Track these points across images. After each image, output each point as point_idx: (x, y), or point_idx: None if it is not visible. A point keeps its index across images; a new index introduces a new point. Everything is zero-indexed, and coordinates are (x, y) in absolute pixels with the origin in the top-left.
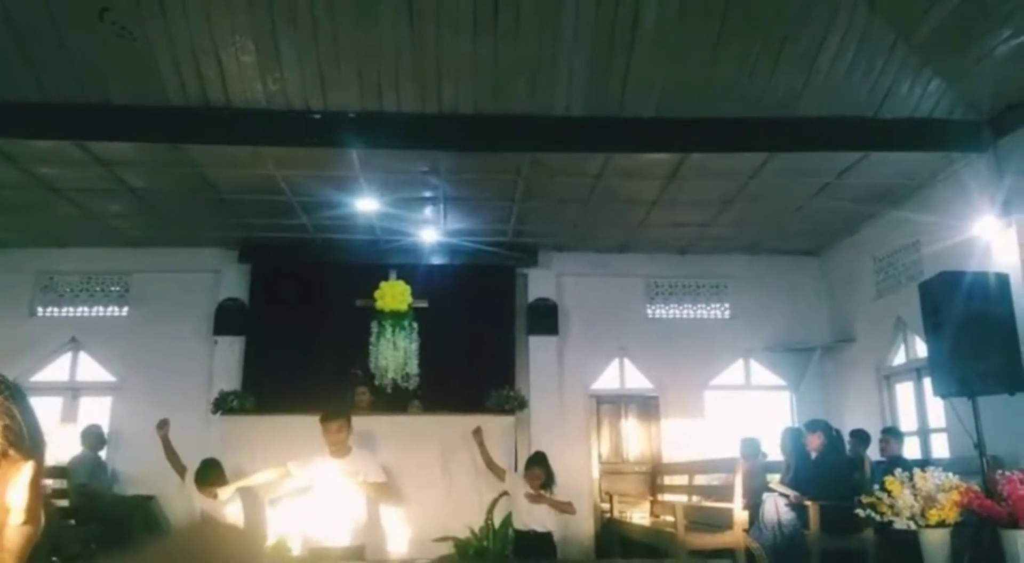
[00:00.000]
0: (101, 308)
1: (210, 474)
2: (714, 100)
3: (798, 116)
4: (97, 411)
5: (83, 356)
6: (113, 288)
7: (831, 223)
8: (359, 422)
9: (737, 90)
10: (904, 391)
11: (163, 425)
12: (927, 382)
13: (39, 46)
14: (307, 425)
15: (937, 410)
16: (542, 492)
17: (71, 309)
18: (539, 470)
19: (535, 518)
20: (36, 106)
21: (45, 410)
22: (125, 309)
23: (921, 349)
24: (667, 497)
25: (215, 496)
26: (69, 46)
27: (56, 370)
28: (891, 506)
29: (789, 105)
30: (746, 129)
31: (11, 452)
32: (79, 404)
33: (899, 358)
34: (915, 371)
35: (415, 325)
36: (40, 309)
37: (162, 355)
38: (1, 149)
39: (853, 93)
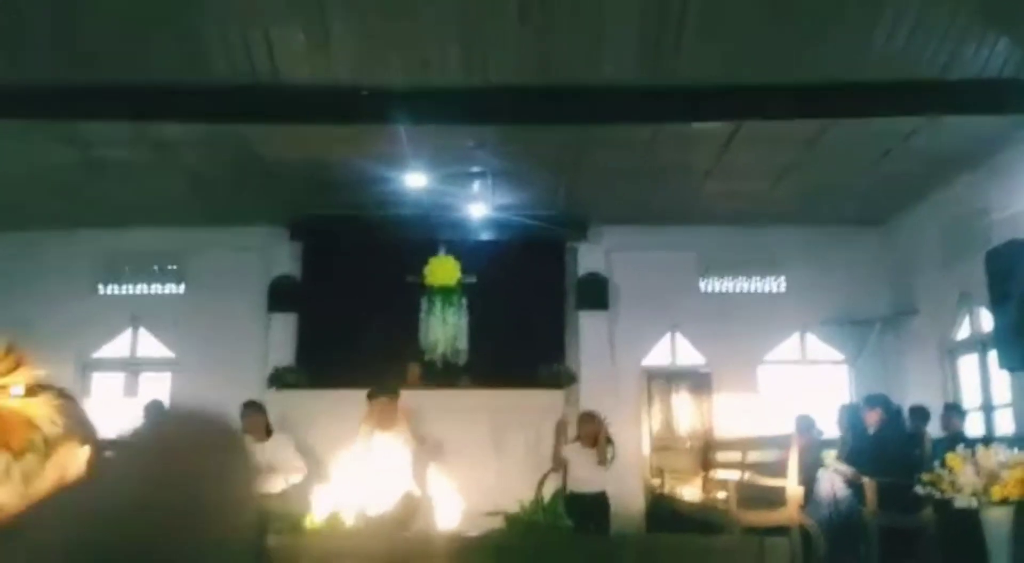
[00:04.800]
0: (159, 286)
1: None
2: (770, 66)
3: (858, 80)
4: (157, 387)
5: (143, 333)
6: (170, 267)
7: (893, 191)
8: (409, 397)
9: (793, 55)
10: (968, 365)
11: None
12: (992, 355)
13: (92, 29)
14: (359, 399)
15: (1002, 385)
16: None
17: (131, 287)
18: (588, 426)
19: (589, 481)
20: (92, 89)
21: (108, 386)
22: (182, 287)
23: (987, 321)
24: (720, 473)
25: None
26: (121, 28)
27: (118, 347)
28: (952, 483)
29: (849, 69)
30: (804, 95)
31: (71, 435)
32: (140, 380)
33: (963, 331)
34: (980, 344)
35: (464, 301)
36: (102, 288)
37: (218, 332)
38: (61, 133)
39: (916, 54)
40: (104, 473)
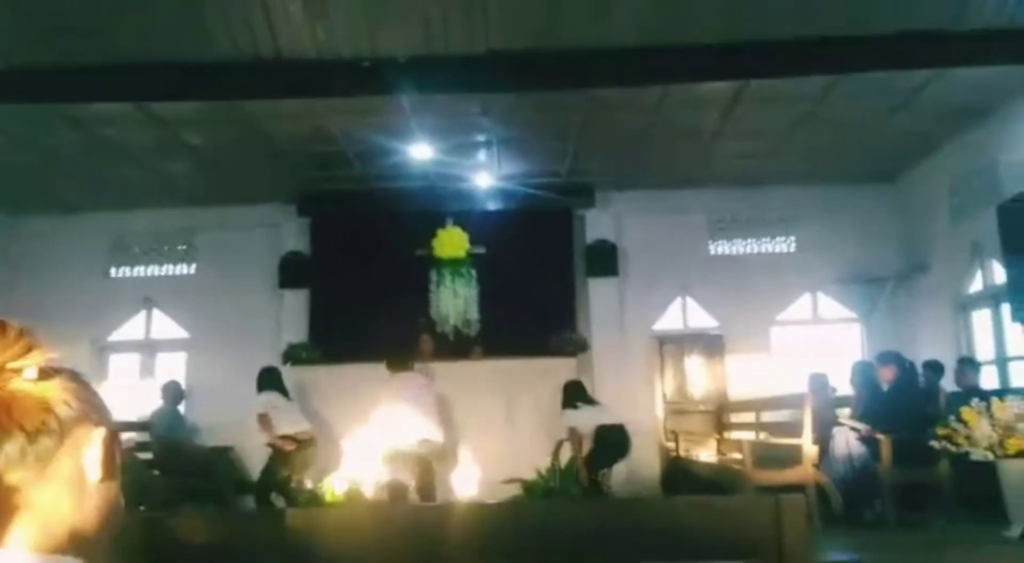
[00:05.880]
0: (171, 266)
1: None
2: (775, 22)
3: (866, 33)
4: (173, 366)
5: (157, 314)
6: (180, 246)
7: (903, 147)
8: (423, 369)
9: (799, 10)
10: (981, 319)
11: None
12: (1006, 308)
13: (94, 9)
14: (372, 372)
15: (1016, 337)
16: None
17: (143, 269)
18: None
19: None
20: (96, 69)
21: (124, 367)
22: (193, 267)
23: (999, 274)
24: (734, 434)
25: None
26: (122, 8)
27: (132, 328)
28: (968, 437)
29: (856, 22)
30: (810, 50)
31: (85, 418)
32: (156, 360)
33: (976, 285)
34: (992, 298)
35: (473, 272)
36: (114, 270)
37: (231, 310)
38: (67, 113)
39: (925, 5)
40: None
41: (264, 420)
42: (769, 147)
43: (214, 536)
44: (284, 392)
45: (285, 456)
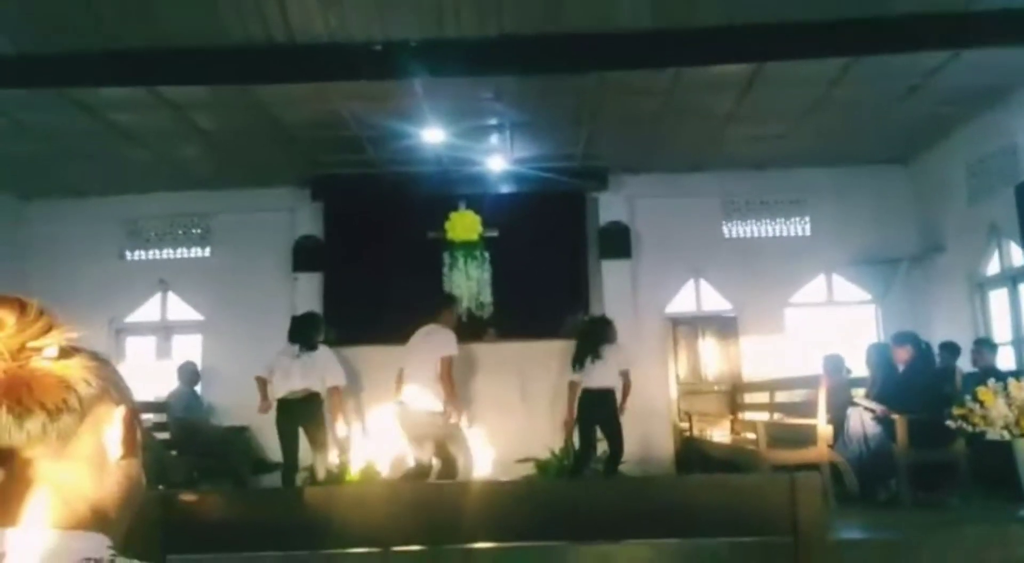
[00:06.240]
0: (185, 250)
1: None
2: (790, 4)
3: (881, 15)
4: (189, 348)
5: (172, 296)
6: (195, 230)
7: (919, 128)
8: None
9: None
10: (998, 300)
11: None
12: (1023, 289)
13: None
14: (387, 355)
15: None
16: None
17: (157, 252)
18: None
19: (597, 379)
20: (106, 53)
21: (141, 348)
22: (208, 250)
23: (1017, 256)
24: (748, 415)
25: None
26: None
27: (148, 311)
28: (984, 416)
29: (871, 4)
30: (825, 33)
31: (106, 397)
32: (172, 342)
33: (993, 266)
34: (1010, 279)
35: (487, 255)
36: (128, 253)
37: (246, 293)
38: (77, 99)
39: None
40: None
41: (260, 383)
42: (783, 129)
43: (230, 514)
44: (308, 344)
45: (280, 421)
